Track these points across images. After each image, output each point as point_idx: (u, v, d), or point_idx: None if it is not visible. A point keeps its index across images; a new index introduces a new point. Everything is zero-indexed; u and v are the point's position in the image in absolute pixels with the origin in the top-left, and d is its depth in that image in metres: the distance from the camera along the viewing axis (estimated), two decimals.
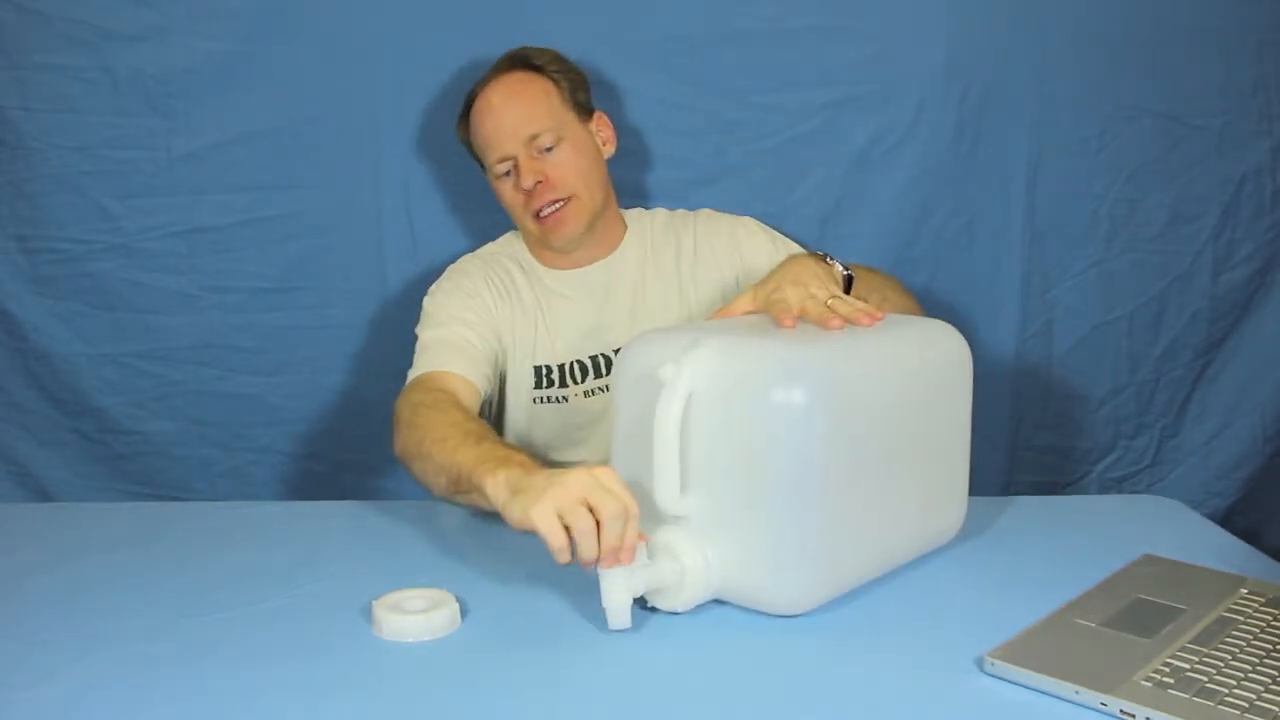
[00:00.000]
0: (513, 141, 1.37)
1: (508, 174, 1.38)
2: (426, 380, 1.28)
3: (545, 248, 1.43)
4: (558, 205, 1.37)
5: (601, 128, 1.46)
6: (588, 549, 0.86)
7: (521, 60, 1.42)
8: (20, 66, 1.55)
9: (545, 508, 0.87)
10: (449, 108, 1.61)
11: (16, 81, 1.55)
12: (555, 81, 1.41)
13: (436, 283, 1.43)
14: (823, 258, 1.15)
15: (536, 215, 1.38)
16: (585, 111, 1.44)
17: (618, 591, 0.86)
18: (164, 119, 1.57)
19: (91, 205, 1.59)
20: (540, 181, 1.36)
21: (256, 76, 1.57)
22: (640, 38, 1.60)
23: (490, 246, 1.50)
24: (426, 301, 1.40)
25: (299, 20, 1.56)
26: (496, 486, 0.95)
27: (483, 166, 1.46)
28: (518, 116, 1.37)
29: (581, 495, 0.87)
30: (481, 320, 1.37)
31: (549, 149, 1.37)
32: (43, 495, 1.69)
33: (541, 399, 1.41)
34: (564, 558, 0.88)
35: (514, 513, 0.91)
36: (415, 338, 1.38)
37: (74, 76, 1.55)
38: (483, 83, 1.42)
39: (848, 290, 1.15)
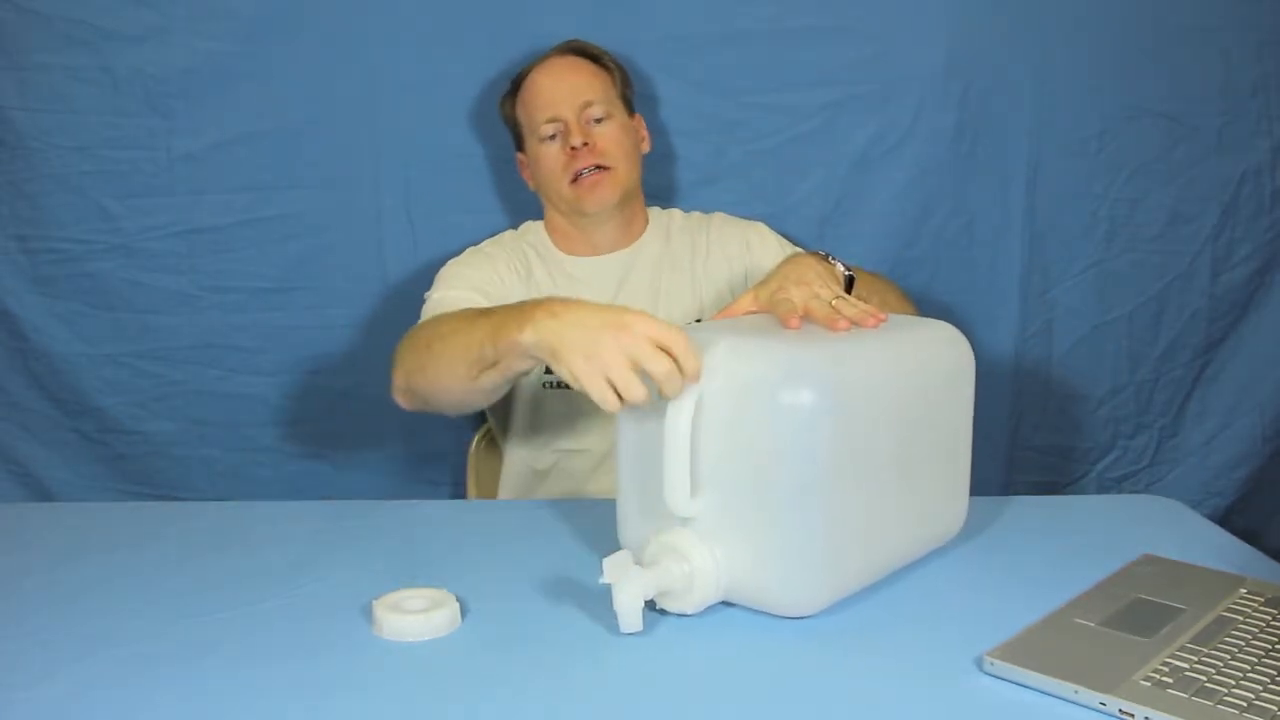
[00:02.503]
0: (567, 105, 1.42)
1: (553, 137, 1.43)
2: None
3: (576, 215, 1.44)
4: (597, 170, 1.41)
5: (639, 126, 1.52)
6: (643, 399, 0.87)
7: (580, 49, 1.49)
8: (20, 66, 1.55)
9: (594, 376, 0.88)
10: (449, 108, 1.61)
11: (16, 81, 1.55)
12: (610, 71, 1.48)
13: (456, 258, 1.44)
14: (824, 257, 1.15)
15: (575, 178, 1.41)
16: (629, 107, 1.50)
17: (629, 596, 0.86)
18: (164, 119, 1.58)
19: (91, 205, 1.60)
20: (586, 144, 1.40)
21: (256, 76, 1.57)
22: (640, 38, 1.60)
23: (510, 233, 1.51)
24: (442, 270, 1.41)
25: (299, 20, 1.56)
26: (534, 338, 0.94)
27: (518, 144, 1.50)
28: (575, 84, 1.44)
29: (629, 358, 0.87)
30: (498, 293, 1.36)
31: (599, 120, 1.43)
32: (43, 495, 1.69)
33: (551, 384, 1.42)
34: (616, 406, 0.89)
35: (561, 374, 0.91)
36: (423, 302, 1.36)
37: (74, 76, 1.55)
38: (540, 60, 1.48)
39: (848, 290, 1.15)
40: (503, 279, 1.40)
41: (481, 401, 1.14)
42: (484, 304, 1.31)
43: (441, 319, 1.15)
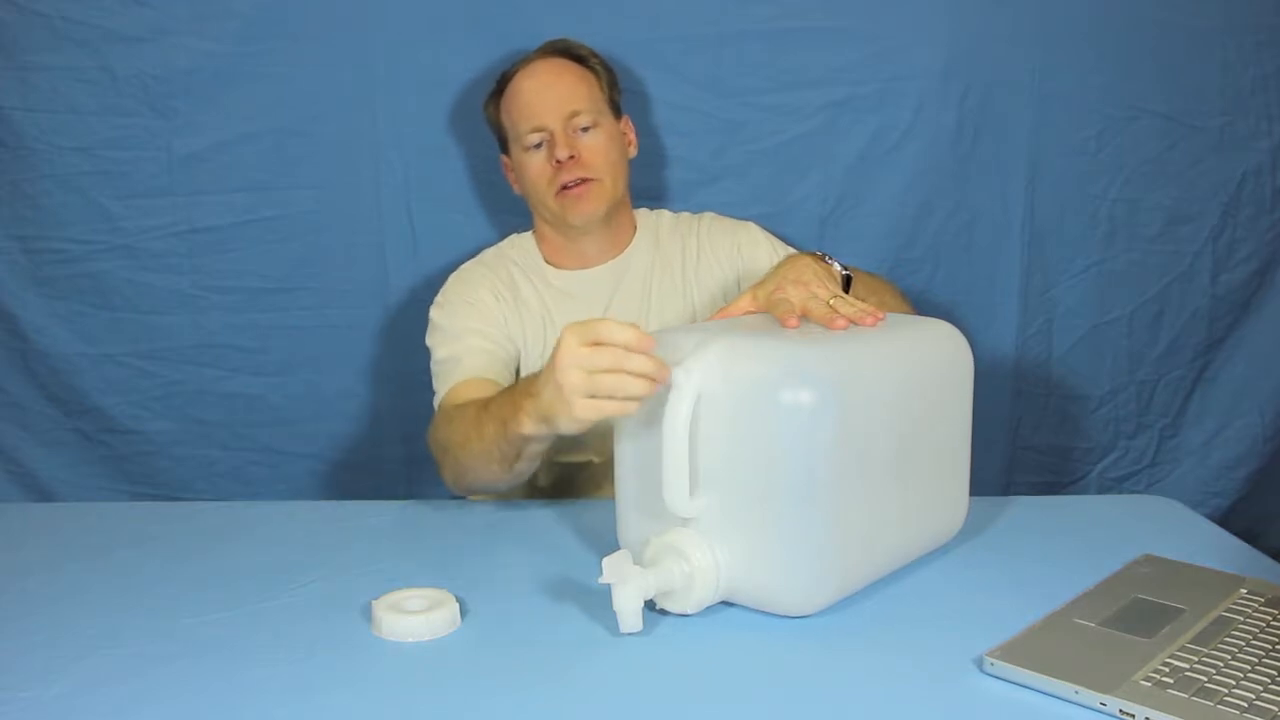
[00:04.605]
0: (553, 115, 1.38)
1: (538, 146, 1.40)
2: (449, 402, 1.29)
3: (562, 227, 1.42)
4: (582, 183, 1.38)
5: (627, 129, 1.49)
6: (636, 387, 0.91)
7: (565, 49, 1.46)
8: (20, 67, 1.55)
9: (582, 407, 0.92)
10: (449, 108, 1.61)
11: (17, 81, 1.55)
12: (596, 74, 1.45)
13: (443, 291, 1.42)
14: (821, 257, 1.15)
15: (560, 190, 1.38)
16: (616, 110, 1.47)
17: (629, 596, 0.86)
18: (164, 119, 1.58)
19: (92, 205, 1.60)
20: (572, 156, 1.37)
21: (257, 77, 1.57)
22: (641, 39, 1.60)
23: (493, 251, 1.48)
24: (434, 313, 1.39)
25: (299, 21, 1.56)
26: (533, 425, 1.00)
27: (503, 147, 1.47)
28: (561, 92, 1.40)
29: (592, 370, 0.91)
30: (493, 328, 1.37)
31: (585, 129, 1.39)
32: (43, 495, 1.69)
33: None
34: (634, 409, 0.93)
35: (569, 427, 0.96)
36: (427, 350, 1.37)
37: (74, 76, 1.55)
38: (524, 62, 1.44)
39: (846, 290, 1.15)
40: (493, 313, 1.38)
41: (529, 472, 1.17)
42: (489, 349, 1.34)
43: (453, 424, 1.20)
